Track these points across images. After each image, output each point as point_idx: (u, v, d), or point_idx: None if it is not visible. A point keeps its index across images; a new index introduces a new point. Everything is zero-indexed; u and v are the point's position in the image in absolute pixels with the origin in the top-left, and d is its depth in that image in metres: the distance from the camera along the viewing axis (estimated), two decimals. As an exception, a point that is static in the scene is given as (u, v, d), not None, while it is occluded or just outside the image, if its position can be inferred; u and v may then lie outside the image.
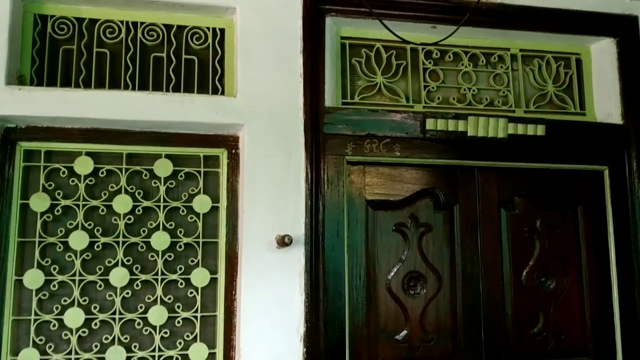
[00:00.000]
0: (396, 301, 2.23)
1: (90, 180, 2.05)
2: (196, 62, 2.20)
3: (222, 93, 2.18)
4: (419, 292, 2.25)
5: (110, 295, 2.00)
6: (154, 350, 2.00)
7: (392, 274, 2.24)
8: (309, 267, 2.07)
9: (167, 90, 2.14)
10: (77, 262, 1.99)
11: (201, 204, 2.10)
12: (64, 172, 2.03)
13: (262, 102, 2.12)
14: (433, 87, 2.39)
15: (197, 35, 2.20)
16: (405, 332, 2.22)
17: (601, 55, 2.52)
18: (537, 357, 2.34)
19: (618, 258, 2.39)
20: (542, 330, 2.34)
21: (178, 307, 2.03)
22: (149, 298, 2.02)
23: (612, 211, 2.41)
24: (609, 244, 2.41)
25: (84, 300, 1.98)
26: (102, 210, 2.04)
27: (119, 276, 2.00)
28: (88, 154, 2.05)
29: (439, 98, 2.39)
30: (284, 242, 1.96)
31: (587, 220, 2.43)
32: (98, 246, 2.02)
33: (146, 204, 2.08)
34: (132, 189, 2.07)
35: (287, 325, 2.03)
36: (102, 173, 2.05)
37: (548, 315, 2.34)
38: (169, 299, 2.03)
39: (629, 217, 2.39)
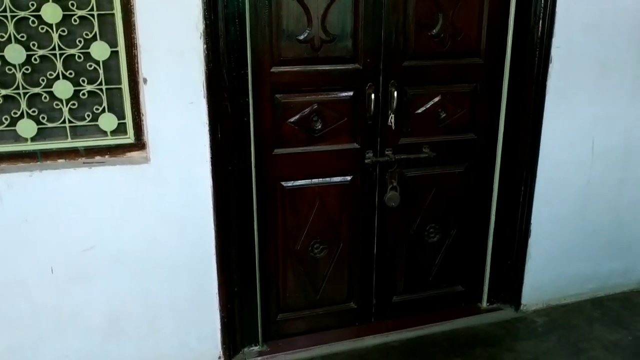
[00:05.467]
0: (298, 1, 2.22)
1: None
2: None
3: None
4: (322, -7, 2.25)
5: None
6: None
7: (295, -27, 2.19)
8: (205, -38, 2.00)
9: None
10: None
11: None
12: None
13: None
14: None
15: None
16: (307, 32, 2.28)
17: None
18: (433, 57, 2.48)
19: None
20: (440, 32, 2.44)
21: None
22: None
23: None
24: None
25: None
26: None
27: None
28: None
29: None
30: None
31: None
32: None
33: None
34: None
35: (187, 23, 2.04)
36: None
37: (447, 18, 2.42)
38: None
39: None
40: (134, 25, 2.02)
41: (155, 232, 2.21)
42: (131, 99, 2.10)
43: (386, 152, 2.52)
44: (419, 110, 2.52)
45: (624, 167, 2.86)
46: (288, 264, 2.56)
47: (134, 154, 2.16)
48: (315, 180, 2.49)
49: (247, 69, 2.21)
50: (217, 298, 2.37)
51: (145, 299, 2.28)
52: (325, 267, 2.62)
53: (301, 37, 2.27)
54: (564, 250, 2.90)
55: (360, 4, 2.29)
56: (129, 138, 2.14)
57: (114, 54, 2.05)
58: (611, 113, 2.73)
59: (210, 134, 2.16)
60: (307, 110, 2.38)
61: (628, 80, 2.71)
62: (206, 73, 2.09)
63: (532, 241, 2.79)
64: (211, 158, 2.19)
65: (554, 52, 2.51)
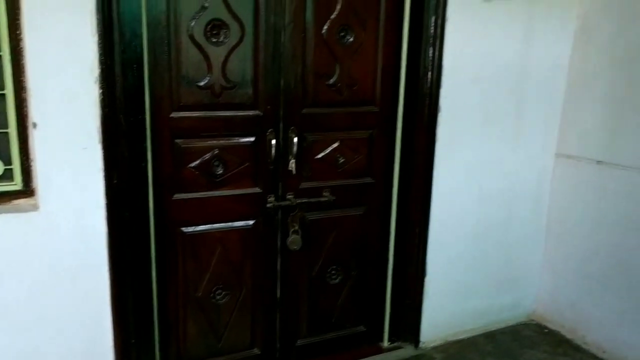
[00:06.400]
0: (199, 48, 2.25)
1: None
2: None
3: None
4: (222, 41, 2.29)
5: None
6: None
7: (195, 21, 2.22)
8: (102, 7, 1.98)
9: None
10: None
11: None
12: None
13: None
14: None
15: None
16: (207, 79, 2.30)
17: None
18: (331, 105, 2.58)
19: (412, 15, 2.58)
20: (337, 81, 2.55)
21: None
22: None
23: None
24: (405, 2, 2.57)
25: None
26: None
27: None
28: None
29: None
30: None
31: (389, -22, 2.53)
32: None
33: None
34: None
35: (81, 67, 2.00)
36: None
37: (344, 68, 2.54)
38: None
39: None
40: (24, 68, 1.94)
41: (44, 283, 2.09)
42: (19, 143, 2.00)
43: (288, 196, 2.56)
44: (319, 156, 2.60)
45: (509, 208, 3.09)
46: (189, 312, 2.50)
47: (21, 202, 2.04)
48: (216, 225, 2.47)
49: (145, 114, 2.19)
50: (113, 351, 2.26)
51: (31, 357, 2.13)
52: (227, 313, 2.58)
53: (201, 84, 2.29)
54: (458, 288, 3.05)
55: (260, 53, 2.35)
56: (16, 185, 2.03)
57: (1, 97, 1.96)
58: (495, 158, 2.96)
59: (105, 180, 2.10)
60: (208, 155, 2.38)
61: (509, 128, 2.95)
62: (102, 118, 2.05)
63: (428, 280, 2.91)
64: (106, 205, 2.13)
65: (442, 101, 2.70)
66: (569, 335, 3.17)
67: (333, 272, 2.78)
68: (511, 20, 2.79)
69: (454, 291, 3.04)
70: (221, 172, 2.42)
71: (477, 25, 2.70)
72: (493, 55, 2.79)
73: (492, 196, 3.01)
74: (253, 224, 2.54)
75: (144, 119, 2.19)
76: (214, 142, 2.38)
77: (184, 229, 2.40)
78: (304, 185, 2.59)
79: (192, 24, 2.22)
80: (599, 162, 2.92)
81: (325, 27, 2.46)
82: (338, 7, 2.46)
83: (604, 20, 2.86)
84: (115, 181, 2.12)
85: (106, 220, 2.14)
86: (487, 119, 2.87)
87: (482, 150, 2.90)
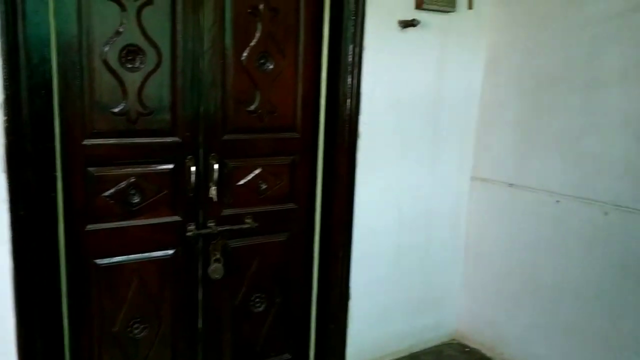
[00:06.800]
0: (113, 74, 2.18)
1: None
2: None
3: None
4: (138, 67, 2.23)
5: None
6: None
7: (109, 46, 2.16)
8: (6, 30, 1.89)
9: None
10: None
11: None
12: None
13: None
14: None
15: None
16: (123, 105, 2.23)
17: None
18: (252, 131, 2.57)
19: (330, 44, 2.64)
20: (258, 108, 2.55)
21: None
22: None
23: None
24: (323, 31, 2.63)
25: None
26: None
27: None
28: None
29: None
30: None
31: (308, 6, 2.58)
32: None
33: None
34: None
35: (-17, 92, 1.89)
36: None
37: (264, 95, 2.54)
38: None
39: (343, 4, 2.57)
40: None
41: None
42: None
43: (209, 224, 2.51)
44: (241, 182, 2.57)
45: (428, 230, 3.18)
46: (104, 349, 2.38)
47: None
48: (133, 256, 2.38)
49: (55, 142, 2.09)
50: (18, 398, 2.10)
51: None
52: (146, 348, 2.48)
53: (116, 110, 2.22)
54: (382, 310, 3.09)
55: (178, 79, 2.32)
56: None
57: None
58: (414, 182, 3.04)
59: (10, 212, 1.98)
60: (124, 183, 2.30)
61: (427, 152, 3.06)
62: (6, 146, 1.93)
63: (352, 304, 2.93)
64: (12, 238, 2.00)
65: (362, 127, 2.75)
66: (488, 353, 3.27)
67: (257, 299, 2.74)
68: (426, 48, 2.91)
69: (378, 314, 3.07)
70: (138, 200, 2.34)
71: (394, 53, 2.79)
72: (409, 82, 2.89)
73: (412, 219, 3.08)
74: (172, 253, 2.46)
75: (53, 147, 2.08)
76: (130, 169, 2.31)
77: (98, 261, 2.30)
78: (226, 212, 2.55)
79: (106, 49, 2.16)
80: (510, 184, 3.07)
81: (245, 53, 2.46)
82: (257, 34, 2.47)
83: (511, 51, 3.04)
84: (21, 213, 2.00)
85: (11, 256, 2.00)
86: (405, 144, 2.95)
87: (401, 174, 2.97)
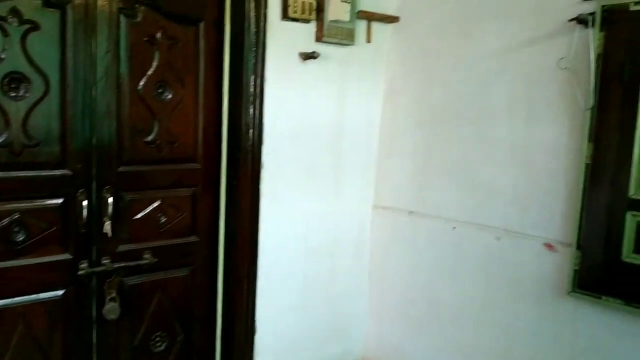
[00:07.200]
0: (-7, 103, 2.04)
1: None
2: None
3: None
4: (23, 95, 2.10)
5: None
6: None
7: (-11, 73, 2.01)
8: None
9: None
10: None
11: None
12: None
13: None
14: None
15: None
16: (5, 136, 2.08)
17: None
18: (151, 162, 2.48)
19: (231, 74, 2.61)
20: (156, 138, 2.47)
21: None
22: None
23: (230, 29, 2.58)
24: (224, 61, 2.60)
25: None
26: None
27: None
28: None
29: None
30: None
31: (208, 36, 2.55)
32: None
33: None
34: None
35: None
36: None
37: (163, 125, 2.47)
38: None
39: (243, 35, 2.57)
40: None
41: None
42: None
43: (103, 261, 2.37)
44: (138, 216, 2.47)
45: (333, 259, 3.19)
46: (-18, 403, 2.15)
47: None
48: (17, 299, 2.20)
49: None
50: None
51: None
52: (32, 399, 2.27)
53: (-3, 142, 2.06)
54: (288, 342, 3.04)
55: (68, 109, 2.20)
56: None
57: None
58: (318, 211, 3.06)
59: None
60: (6, 220, 2.13)
61: (330, 182, 3.09)
62: None
63: (258, 337, 2.87)
64: None
65: (265, 157, 2.74)
66: (394, 378, 3.31)
67: (157, 338, 2.61)
68: (327, 80, 2.96)
69: (285, 346, 3.03)
70: (22, 238, 2.17)
71: (296, 84, 2.82)
72: (311, 113, 2.92)
73: (317, 248, 3.09)
74: (63, 294, 2.30)
75: None
76: (14, 205, 2.14)
77: (-24, 307, 2.10)
78: (122, 248, 2.43)
79: (-14, 76, 2.01)
80: (410, 212, 3.17)
81: (142, 82, 2.38)
82: (155, 63, 2.40)
83: (407, 83, 3.17)
84: None
85: None
86: (309, 174, 2.97)
87: (305, 203, 2.98)
